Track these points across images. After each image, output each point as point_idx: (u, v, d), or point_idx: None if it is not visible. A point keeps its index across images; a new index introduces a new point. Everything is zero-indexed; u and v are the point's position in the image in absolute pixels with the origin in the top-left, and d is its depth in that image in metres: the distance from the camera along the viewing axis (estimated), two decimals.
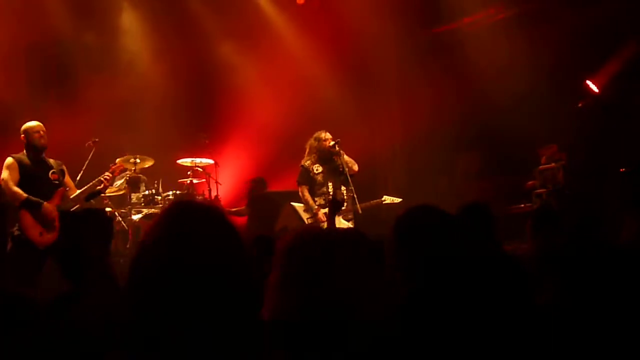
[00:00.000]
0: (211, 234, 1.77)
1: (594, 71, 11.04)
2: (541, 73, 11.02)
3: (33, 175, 7.57)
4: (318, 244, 2.91)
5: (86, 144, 9.52)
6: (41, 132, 7.68)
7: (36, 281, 7.15)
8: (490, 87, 11.65)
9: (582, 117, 10.55)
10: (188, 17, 12.94)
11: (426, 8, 12.58)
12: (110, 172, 8.16)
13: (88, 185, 7.96)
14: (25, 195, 7.39)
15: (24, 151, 7.69)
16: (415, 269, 2.52)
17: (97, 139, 9.51)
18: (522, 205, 10.87)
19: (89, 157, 9.33)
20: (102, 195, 10.01)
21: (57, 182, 7.71)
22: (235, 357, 1.71)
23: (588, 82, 11.00)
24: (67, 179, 8.01)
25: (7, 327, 2.60)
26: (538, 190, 10.67)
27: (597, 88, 10.98)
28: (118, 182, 10.35)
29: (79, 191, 7.93)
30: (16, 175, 7.47)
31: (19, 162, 7.55)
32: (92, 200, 8.92)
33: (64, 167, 8.01)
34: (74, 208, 7.85)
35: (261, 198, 11.86)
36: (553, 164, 10.61)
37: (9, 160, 7.56)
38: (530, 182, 10.89)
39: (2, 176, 7.49)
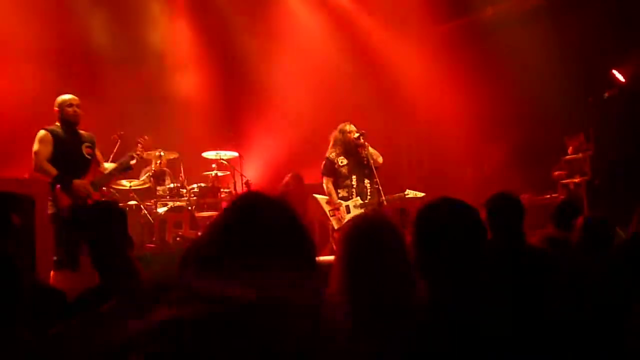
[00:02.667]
0: (279, 226, 1.73)
1: (621, 61, 10.91)
2: (568, 62, 10.93)
3: (67, 149, 7.39)
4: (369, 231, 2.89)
5: (112, 137, 9.56)
6: (75, 106, 7.55)
7: (80, 258, 7.03)
8: (516, 77, 11.59)
9: (609, 107, 10.44)
10: (216, 12, 12.99)
11: None
12: (140, 147, 8.16)
13: (120, 161, 7.94)
14: (55, 172, 7.22)
15: (58, 123, 7.54)
16: (433, 265, 2.50)
17: (122, 132, 9.54)
18: (549, 196, 10.80)
19: (115, 150, 9.37)
20: (128, 188, 10.12)
21: (89, 156, 7.58)
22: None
23: (614, 71, 10.88)
24: (97, 152, 7.86)
25: (38, 320, 2.62)
26: (565, 181, 10.60)
27: (624, 78, 10.85)
28: (142, 177, 10.43)
29: (111, 167, 7.89)
30: (49, 149, 7.29)
31: (54, 135, 7.37)
32: (116, 194, 8.96)
33: (94, 140, 7.85)
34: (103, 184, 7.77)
35: (291, 194, 11.71)
36: (580, 154, 10.52)
37: (42, 133, 7.37)
38: (557, 172, 10.81)
39: (34, 149, 7.29)
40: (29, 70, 10.68)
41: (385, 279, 2.65)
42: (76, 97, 7.65)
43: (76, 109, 7.56)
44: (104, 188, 8.00)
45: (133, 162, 7.96)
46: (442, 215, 2.58)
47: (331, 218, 8.97)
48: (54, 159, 7.29)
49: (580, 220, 5.03)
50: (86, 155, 7.54)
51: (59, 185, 7.20)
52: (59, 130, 7.48)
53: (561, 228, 5.81)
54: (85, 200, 7.25)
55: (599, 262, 3.66)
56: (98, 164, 7.78)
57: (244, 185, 10.82)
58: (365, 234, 2.74)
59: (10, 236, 3.38)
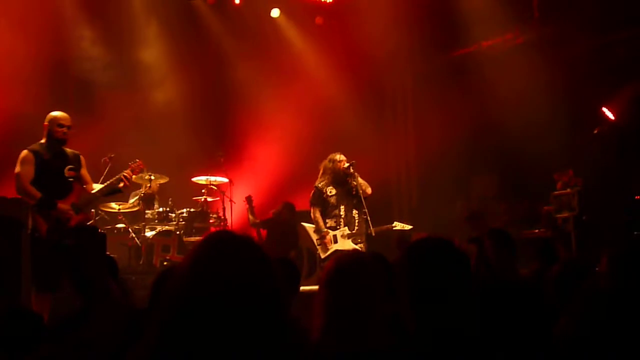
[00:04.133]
0: (245, 268, 1.74)
1: (610, 98, 11.01)
2: (557, 98, 11.02)
3: (49, 170, 7.16)
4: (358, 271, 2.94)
5: (102, 160, 9.56)
6: (65, 127, 7.28)
7: (61, 282, 6.85)
8: (506, 111, 11.66)
9: (598, 143, 10.52)
10: (208, 37, 13.06)
11: (444, 32, 12.61)
12: (130, 170, 7.84)
13: (107, 183, 7.67)
14: (38, 194, 7.00)
15: (44, 140, 7.29)
16: (421, 303, 2.56)
17: (113, 155, 9.55)
18: (537, 231, 10.83)
19: (105, 173, 9.37)
20: (117, 211, 10.12)
21: (72, 179, 7.33)
22: None
23: (604, 108, 10.96)
24: (84, 171, 7.58)
25: (15, 345, 2.62)
26: (553, 216, 10.63)
27: (613, 115, 10.94)
28: (132, 200, 10.44)
29: (98, 188, 7.60)
30: (31, 170, 7.07)
31: (36, 155, 7.14)
32: (105, 217, 8.88)
33: (82, 158, 7.59)
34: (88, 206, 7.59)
35: (283, 222, 11.62)
36: (569, 190, 10.56)
37: (24, 153, 7.15)
38: (545, 207, 10.85)
39: (16, 170, 7.09)
40: (21, 91, 10.71)
41: (364, 317, 2.72)
42: (68, 117, 7.39)
43: (66, 130, 7.31)
44: (92, 210, 7.89)
45: (121, 184, 7.64)
46: (428, 253, 2.65)
47: (318, 247, 8.98)
48: (35, 180, 7.09)
49: None
50: (68, 178, 7.30)
51: (35, 208, 6.96)
52: (43, 149, 7.24)
53: (547, 264, 5.84)
54: (65, 224, 7.04)
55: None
56: (85, 184, 7.52)
57: (244, 200, 10.91)
58: (346, 273, 2.81)
59: None
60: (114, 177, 7.79)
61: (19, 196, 7.14)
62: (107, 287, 2.69)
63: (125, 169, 7.94)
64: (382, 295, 2.85)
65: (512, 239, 5.18)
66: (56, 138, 7.30)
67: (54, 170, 7.23)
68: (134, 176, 8.13)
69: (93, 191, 7.58)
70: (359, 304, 2.75)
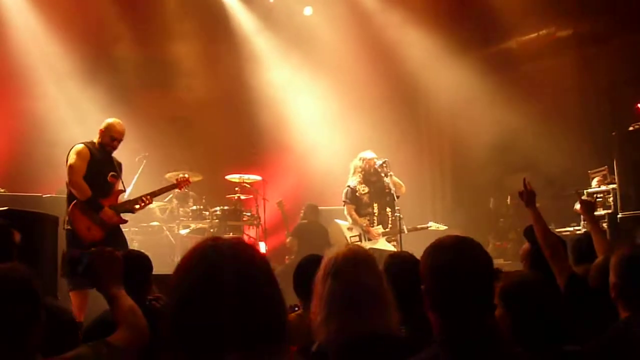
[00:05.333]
0: (237, 277, 1.71)
1: None
2: (592, 95, 10.91)
3: (97, 171, 7.17)
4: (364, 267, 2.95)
5: (136, 159, 9.65)
6: (119, 141, 7.34)
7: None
8: (541, 109, 11.55)
9: (633, 141, 10.36)
10: (242, 35, 13.10)
11: (479, 28, 12.52)
12: (176, 184, 8.14)
13: (159, 189, 7.87)
14: (90, 192, 7.01)
15: (97, 142, 7.28)
16: (443, 305, 2.53)
17: (147, 154, 9.64)
18: (572, 228, 10.71)
19: (139, 171, 9.47)
20: (152, 209, 10.21)
21: (112, 184, 7.34)
22: None
23: (639, 105, 10.80)
24: (120, 180, 7.60)
25: (48, 345, 2.66)
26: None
27: None
28: (167, 198, 10.51)
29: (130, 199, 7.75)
30: (84, 167, 7.06)
31: (92, 153, 7.16)
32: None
33: (121, 167, 7.63)
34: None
35: (310, 224, 11.52)
36: (603, 187, 10.42)
37: (81, 147, 7.14)
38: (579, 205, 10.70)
39: (71, 162, 7.04)
40: (54, 91, 10.86)
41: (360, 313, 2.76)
42: (124, 131, 7.40)
43: (118, 144, 7.37)
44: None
45: (137, 206, 7.63)
46: (449, 253, 2.60)
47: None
48: (83, 177, 7.08)
49: None
50: (109, 183, 7.31)
51: (73, 204, 7.01)
52: (96, 150, 7.25)
53: (582, 262, 5.77)
54: (105, 227, 7.12)
55: None
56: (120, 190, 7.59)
57: (276, 205, 10.90)
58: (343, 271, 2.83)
59: (13, 256, 3.45)
60: (166, 184, 7.97)
61: (70, 188, 7.14)
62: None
63: (173, 179, 8.06)
64: (376, 290, 2.88)
65: (561, 237, 5.17)
66: (108, 148, 7.33)
67: (101, 173, 7.24)
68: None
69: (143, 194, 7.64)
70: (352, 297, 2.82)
